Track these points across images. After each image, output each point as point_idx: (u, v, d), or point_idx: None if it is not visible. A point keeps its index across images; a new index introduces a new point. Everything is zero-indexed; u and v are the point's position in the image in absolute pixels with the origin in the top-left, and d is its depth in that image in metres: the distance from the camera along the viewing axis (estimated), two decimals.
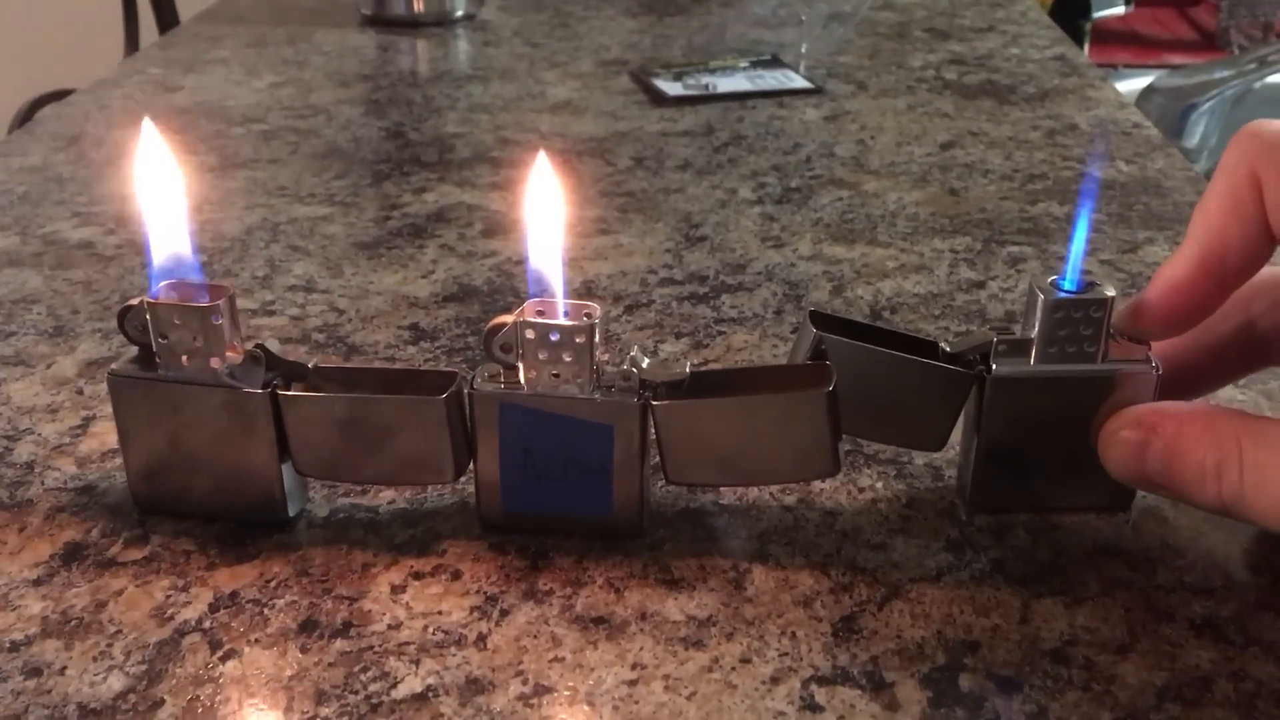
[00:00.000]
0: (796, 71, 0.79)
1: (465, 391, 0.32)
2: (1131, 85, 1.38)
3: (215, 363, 0.32)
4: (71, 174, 0.61)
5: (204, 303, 0.31)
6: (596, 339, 0.30)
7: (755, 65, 0.81)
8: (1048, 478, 0.34)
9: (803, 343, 0.33)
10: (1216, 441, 0.30)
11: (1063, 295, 0.31)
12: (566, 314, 0.31)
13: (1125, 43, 1.91)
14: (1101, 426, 0.32)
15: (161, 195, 0.32)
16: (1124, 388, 0.32)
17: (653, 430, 0.32)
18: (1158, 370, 0.32)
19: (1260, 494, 0.29)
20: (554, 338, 0.30)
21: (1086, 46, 1.69)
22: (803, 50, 0.86)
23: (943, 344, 0.33)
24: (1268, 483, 0.29)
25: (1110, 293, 0.31)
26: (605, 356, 0.31)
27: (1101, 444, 0.32)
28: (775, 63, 0.81)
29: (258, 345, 0.32)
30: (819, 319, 0.33)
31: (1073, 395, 0.32)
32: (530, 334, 0.30)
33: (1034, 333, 0.32)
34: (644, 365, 0.31)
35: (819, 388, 0.30)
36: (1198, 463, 0.30)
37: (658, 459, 0.32)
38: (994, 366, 0.32)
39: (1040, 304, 0.31)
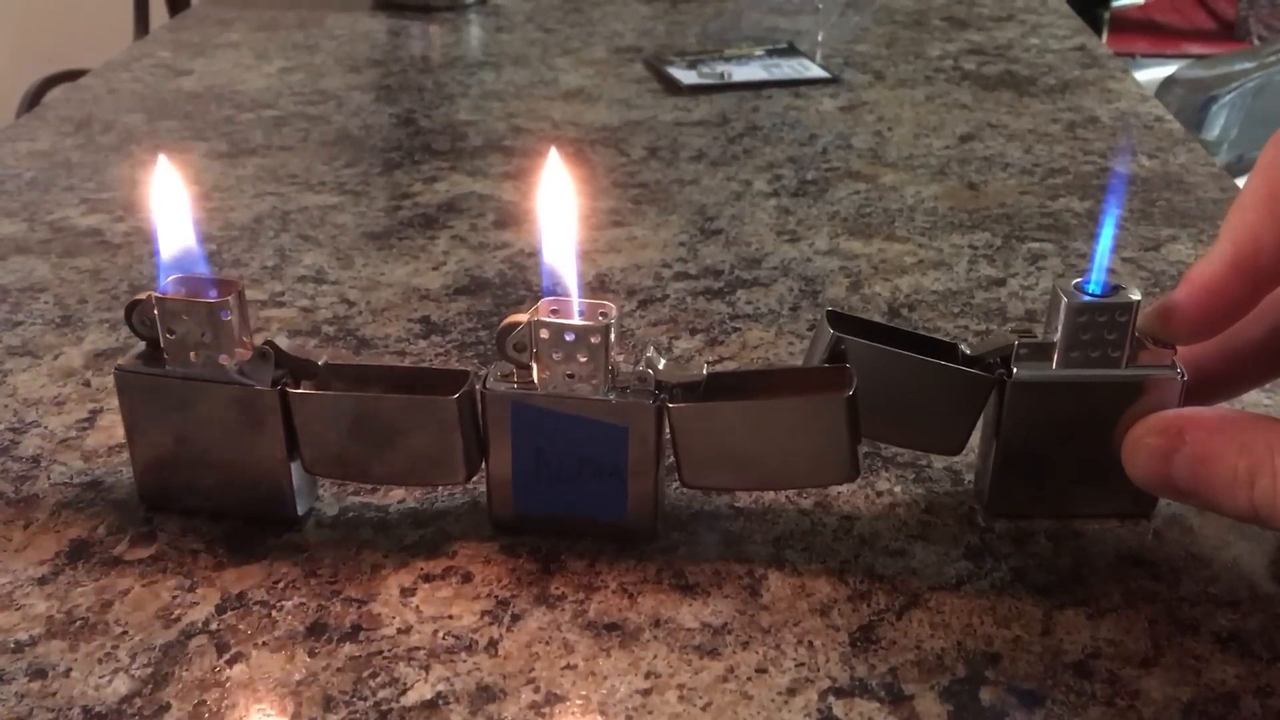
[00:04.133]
0: (813, 60, 0.78)
1: (477, 391, 0.31)
2: (1150, 74, 1.37)
3: (224, 359, 0.31)
4: (80, 159, 0.60)
5: (212, 298, 0.31)
6: (612, 339, 0.30)
7: (771, 53, 0.80)
8: (1068, 483, 0.33)
9: (820, 343, 0.33)
10: (1247, 448, 0.29)
11: (1087, 299, 0.30)
12: (582, 313, 0.30)
13: (1143, 31, 1.89)
14: (1125, 433, 0.31)
15: (171, 190, 0.32)
16: (1148, 394, 0.31)
17: (668, 432, 0.31)
18: (1183, 376, 0.31)
19: None
20: (569, 337, 0.30)
21: (1104, 35, 1.67)
22: (819, 38, 0.85)
23: (962, 346, 0.32)
24: None
25: (1136, 296, 0.31)
26: (620, 356, 0.31)
27: (1126, 451, 0.31)
28: (791, 51, 0.80)
29: (267, 342, 0.31)
30: (836, 319, 0.32)
31: (1095, 400, 0.31)
32: (545, 334, 0.30)
33: (1056, 336, 0.31)
34: (660, 366, 0.30)
35: (839, 392, 0.30)
36: (1228, 470, 0.29)
37: (673, 461, 0.31)
38: (1015, 370, 0.31)
39: (1063, 307, 0.31)
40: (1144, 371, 0.31)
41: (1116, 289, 0.31)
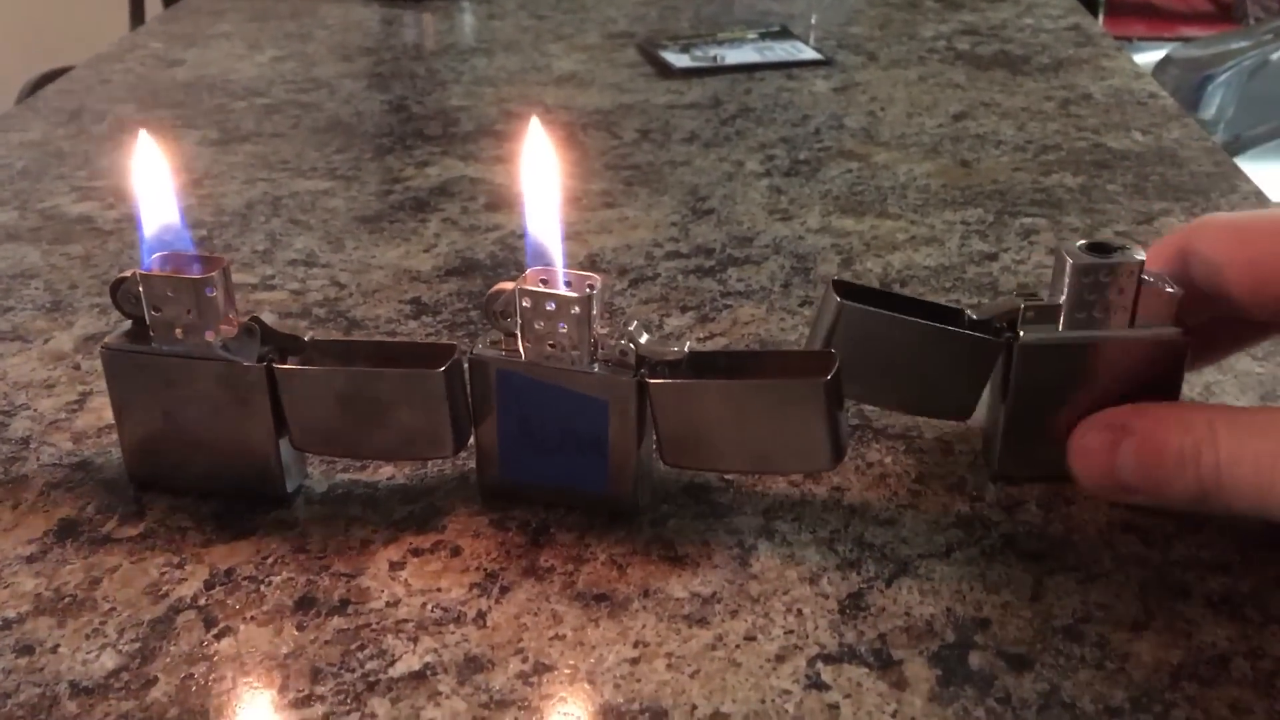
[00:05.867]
0: (806, 43, 0.78)
1: (464, 361, 0.31)
2: (1147, 57, 1.36)
3: (210, 336, 0.31)
4: (71, 149, 0.60)
5: (197, 274, 0.31)
6: (594, 311, 0.30)
7: (764, 36, 0.80)
8: None
9: (825, 313, 0.32)
10: (1190, 427, 0.29)
11: (1093, 260, 0.30)
12: (569, 284, 0.30)
13: (1140, 14, 1.88)
14: (1119, 404, 0.31)
15: (153, 168, 0.32)
16: (1154, 353, 0.31)
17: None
18: (1187, 335, 0.31)
19: (1237, 471, 0.28)
20: (550, 307, 0.30)
21: (1101, 18, 1.67)
22: (812, 21, 0.85)
23: (968, 311, 0.32)
24: (1244, 460, 0.28)
25: (1140, 256, 0.30)
26: (607, 330, 0.31)
27: (1071, 453, 0.31)
28: (784, 34, 0.80)
29: (253, 318, 0.31)
30: (842, 288, 0.32)
31: (1102, 361, 0.31)
32: (527, 302, 0.30)
33: (1062, 298, 0.31)
34: (641, 341, 0.30)
35: (818, 377, 0.29)
36: (1175, 449, 0.29)
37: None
38: (1021, 333, 0.31)
39: (1069, 269, 0.30)
40: (1149, 331, 0.31)
41: (1121, 249, 0.31)
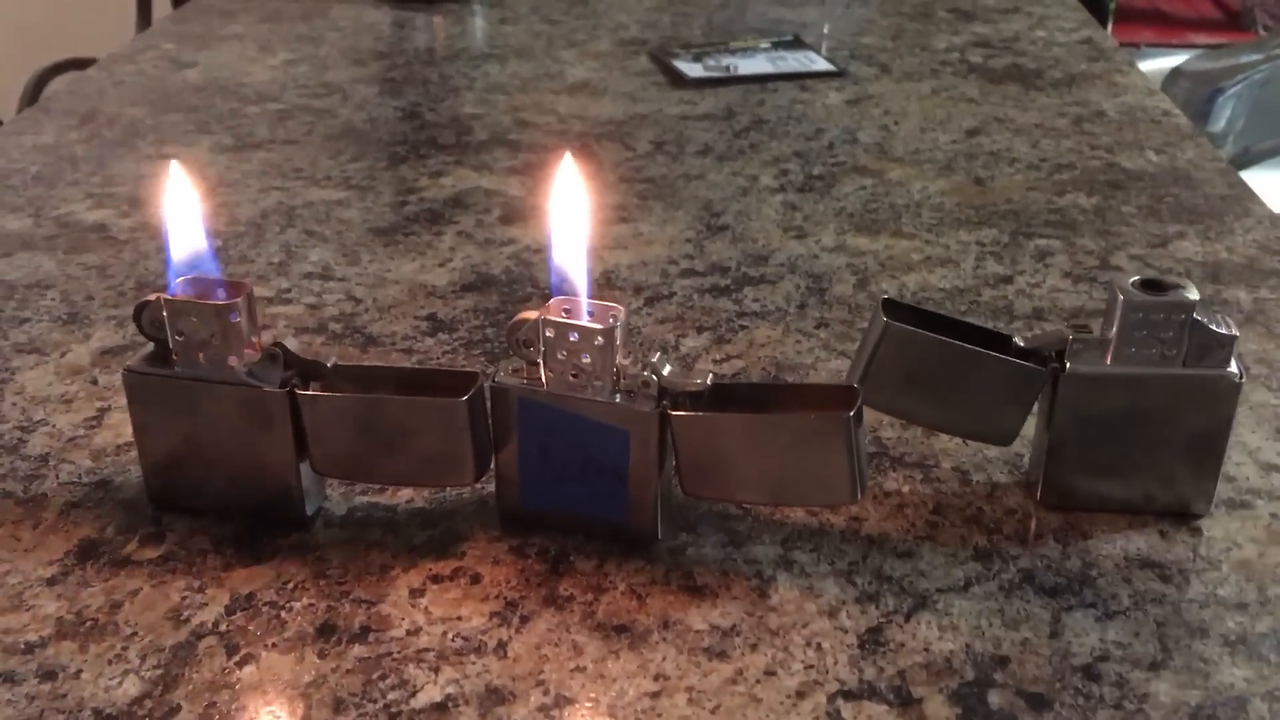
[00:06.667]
0: (818, 53, 0.78)
1: (486, 389, 0.31)
2: (1155, 64, 1.36)
3: (233, 361, 0.31)
4: (85, 153, 0.60)
5: (222, 300, 0.31)
6: (617, 342, 0.30)
7: (777, 46, 0.80)
8: (1123, 479, 0.33)
9: (873, 330, 0.33)
10: None
11: (1142, 297, 0.31)
12: (591, 314, 0.30)
13: (1148, 21, 1.88)
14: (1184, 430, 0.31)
15: (182, 197, 0.32)
16: (1203, 394, 0.31)
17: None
18: (1241, 378, 0.31)
19: None
20: (573, 337, 0.30)
21: (1110, 25, 1.67)
22: (825, 31, 0.85)
23: (1016, 338, 0.33)
24: None
25: (1193, 296, 0.31)
26: (629, 359, 0.31)
27: None
28: (797, 44, 0.80)
29: (276, 343, 0.31)
30: (891, 307, 0.33)
31: (1150, 397, 0.32)
32: (550, 332, 0.30)
33: (1111, 332, 0.31)
34: (665, 372, 0.30)
35: (840, 411, 0.30)
36: None
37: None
38: (1068, 364, 0.31)
39: (1119, 304, 0.31)
40: (1199, 371, 0.31)
41: (1176, 288, 0.31)
